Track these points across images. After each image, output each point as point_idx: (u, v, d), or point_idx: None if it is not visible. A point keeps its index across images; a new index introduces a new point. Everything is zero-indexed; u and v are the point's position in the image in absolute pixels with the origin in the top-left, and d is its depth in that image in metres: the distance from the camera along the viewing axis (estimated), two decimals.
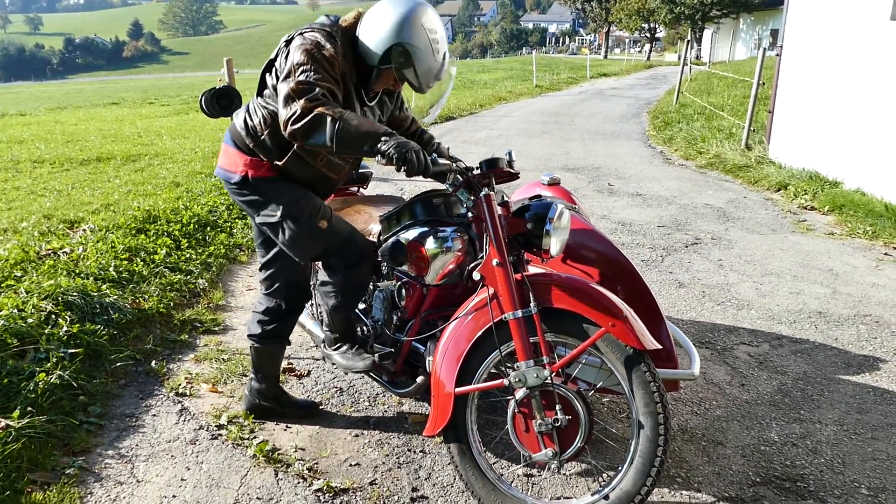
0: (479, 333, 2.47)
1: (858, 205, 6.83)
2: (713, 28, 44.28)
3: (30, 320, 3.46)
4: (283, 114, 2.41)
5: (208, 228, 5.70)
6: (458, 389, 2.48)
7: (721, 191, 8.17)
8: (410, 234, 2.78)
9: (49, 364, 3.21)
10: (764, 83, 10.08)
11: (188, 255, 5.04)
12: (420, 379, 2.87)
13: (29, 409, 2.93)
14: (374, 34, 2.55)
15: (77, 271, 4.23)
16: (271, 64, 2.66)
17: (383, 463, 2.92)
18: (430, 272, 2.71)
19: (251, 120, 2.71)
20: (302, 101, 2.37)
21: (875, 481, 2.80)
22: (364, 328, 3.14)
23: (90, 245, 4.72)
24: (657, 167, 9.72)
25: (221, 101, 9.01)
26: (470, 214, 2.60)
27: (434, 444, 3.05)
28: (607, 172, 9.12)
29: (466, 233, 2.68)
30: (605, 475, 2.75)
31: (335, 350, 3.03)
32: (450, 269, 2.68)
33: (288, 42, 2.60)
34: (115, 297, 4.05)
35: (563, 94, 22.45)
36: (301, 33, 2.58)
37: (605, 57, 56.76)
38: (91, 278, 4.16)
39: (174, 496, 2.68)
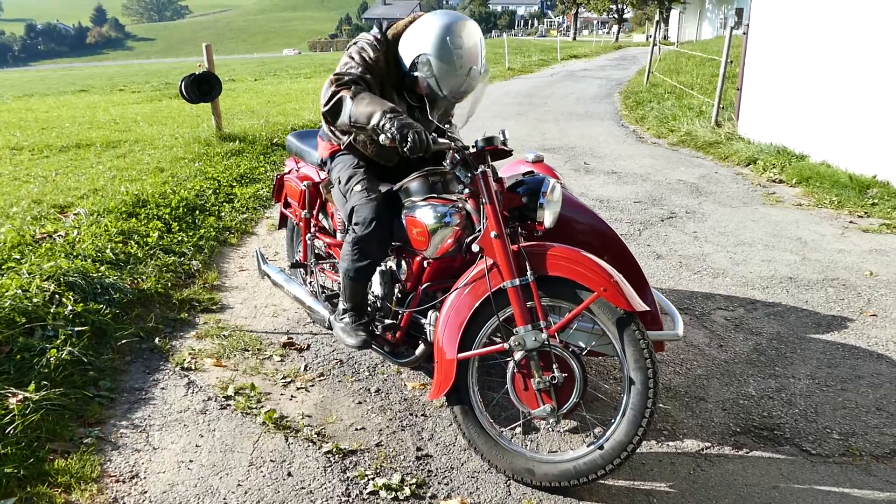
0: (479, 302, 2.64)
1: (824, 177, 7.09)
2: (680, 8, 44.61)
3: (35, 300, 3.56)
4: (323, 100, 2.77)
5: (197, 212, 5.79)
6: (460, 355, 2.64)
7: (693, 167, 8.40)
8: (410, 211, 2.91)
9: (58, 341, 3.32)
10: (731, 61, 10.31)
11: (180, 238, 5.14)
12: (420, 348, 3.03)
13: (43, 382, 3.04)
14: (408, 44, 2.87)
15: (74, 253, 4.32)
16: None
17: (387, 426, 3.08)
18: (430, 246, 2.84)
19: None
20: (333, 87, 2.72)
21: (845, 427, 3.02)
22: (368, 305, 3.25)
23: (84, 228, 4.80)
24: (631, 146, 9.93)
25: (202, 87, 9.07)
26: (467, 191, 2.75)
27: (434, 407, 3.22)
28: (582, 152, 9.30)
29: (464, 208, 2.83)
30: (598, 429, 2.94)
31: (339, 319, 3.16)
32: (449, 243, 2.82)
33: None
34: (115, 277, 4.15)
35: (535, 76, 22.60)
36: (355, 42, 2.96)
37: (574, 39, 57.00)
38: (89, 260, 4.26)
39: (191, 461, 2.82)
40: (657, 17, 42.64)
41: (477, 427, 2.73)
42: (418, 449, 2.92)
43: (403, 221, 2.93)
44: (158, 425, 3.06)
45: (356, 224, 2.91)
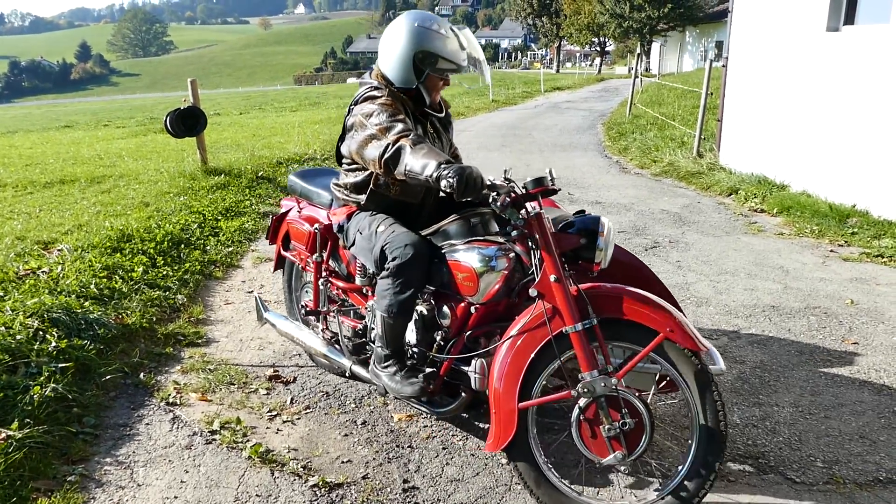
0: (538, 348, 2.55)
1: (805, 206, 7.19)
2: (661, 41, 45.41)
3: (18, 337, 3.54)
4: (373, 153, 2.77)
5: (182, 246, 5.78)
6: (521, 404, 2.56)
7: (676, 197, 8.50)
8: (454, 255, 2.83)
9: (42, 378, 3.30)
10: (712, 93, 10.49)
11: (165, 272, 5.14)
12: (461, 397, 2.92)
13: (27, 420, 3.02)
14: (395, 65, 2.96)
15: (59, 289, 4.31)
16: (342, 138, 3.14)
17: (374, 458, 3.07)
18: (479, 292, 2.76)
19: (341, 180, 3.25)
20: (391, 137, 2.72)
21: (829, 455, 3.04)
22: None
23: (68, 264, 4.79)
24: (614, 176, 10.04)
25: (187, 121, 9.11)
26: (514, 232, 2.63)
27: (421, 439, 3.21)
28: (567, 182, 9.39)
29: (511, 250, 2.76)
30: (661, 474, 2.87)
31: (384, 369, 3.02)
32: (496, 287, 2.74)
33: (349, 112, 3.04)
34: (99, 313, 4.13)
35: (520, 107, 22.84)
36: (356, 101, 3.03)
37: (558, 71, 57.72)
38: (73, 296, 4.25)
39: (176, 497, 2.80)
40: (638, 50, 43.27)
41: (540, 478, 2.63)
42: (405, 481, 2.91)
43: (442, 265, 2.85)
44: (143, 461, 3.04)
45: (393, 258, 2.82)
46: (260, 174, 9.05)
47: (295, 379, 3.82)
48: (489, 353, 2.76)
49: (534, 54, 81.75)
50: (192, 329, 4.42)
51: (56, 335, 3.68)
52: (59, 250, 5.22)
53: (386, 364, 3.00)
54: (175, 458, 3.07)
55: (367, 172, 3.05)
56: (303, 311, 3.90)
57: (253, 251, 6.23)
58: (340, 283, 3.52)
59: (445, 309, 2.93)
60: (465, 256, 2.79)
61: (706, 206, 7.95)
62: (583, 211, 2.88)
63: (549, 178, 2.58)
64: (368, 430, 3.30)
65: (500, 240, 2.80)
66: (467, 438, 3.22)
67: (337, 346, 3.55)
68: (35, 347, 3.52)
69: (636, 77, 19.27)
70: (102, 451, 3.10)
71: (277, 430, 3.30)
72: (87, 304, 4.20)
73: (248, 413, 3.44)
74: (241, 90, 66.51)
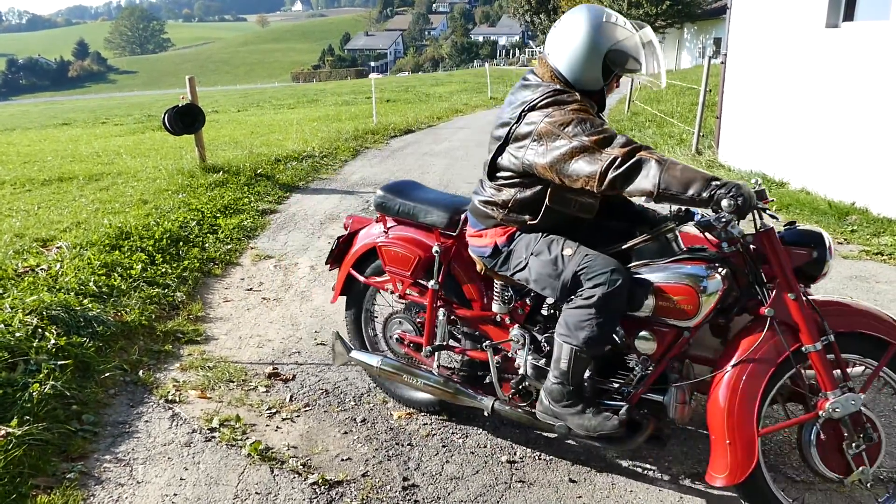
0: (773, 370, 2.45)
1: (804, 203, 7.19)
2: (658, 38, 45.35)
3: (17, 334, 3.54)
4: (585, 168, 2.44)
5: (181, 243, 5.78)
6: (762, 430, 2.44)
7: None
8: (658, 277, 2.57)
9: (41, 375, 3.30)
10: (711, 90, 10.48)
11: (164, 270, 5.13)
12: (647, 429, 2.68)
13: (26, 417, 3.02)
14: (583, 65, 2.63)
15: (57, 287, 4.30)
16: (501, 149, 2.73)
17: (373, 456, 3.07)
18: (697, 314, 2.51)
19: (496, 198, 2.79)
20: (616, 149, 2.41)
21: None
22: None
23: (67, 262, 4.78)
24: None
25: (185, 119, 9.10)
26: (730, 248, 2.54)
27: (421, 437, 3.21)
28: None
29: (725, 268, 2.55)
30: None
31: (566, 408, 2.69)
32: (711, 308, 2.52)
33: (519, 119, 2.66)
34: (98, 310, 4.13)
35: None
36: (533, 107, 2.63)
37: None
38: (72, 293, 4.24)
39: (175, 494, 2.79)
40: None
41: None
42: (405, 479, 2.91)
43: (642, 289, 2.57)
44: (142, 459, 3.03)
45: (595, 285, 2.52)
46: (258, 171, 9.04)
47: (294, 376, 3.82)
48: (688, 379, 2.62)
49: (531, 51, 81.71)
50: (191, 326, 4.41)
51: (55, 332, 3.68)
52: (57, 248, 5.21)
53: (568, 402, 2.67)
54: (174, 455, 3.06)
55: (539, 188, 2.69)
56: (394, 345, 3.46)
57: (252, 248, 6.23)
58: (468, 313, 3.14)
59: (646, 335, 2.63)
60: (678, 277, 2.53)
61: None
62: (794, 223, 2.67)
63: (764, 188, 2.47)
64: (368, 428, 3.29)
65: (705, 256, 2.59)
66: (467, 436, 3.22)
67: (468, 383, 3.16)
68: (34, 345, 3.52)
69: None
70: (102, 449, 3.09)
71: (277, 427, 3.30)
72: (85, 301, 4.19)
73: (248, 410, 3.44)
74: (239, 87, 66.48)
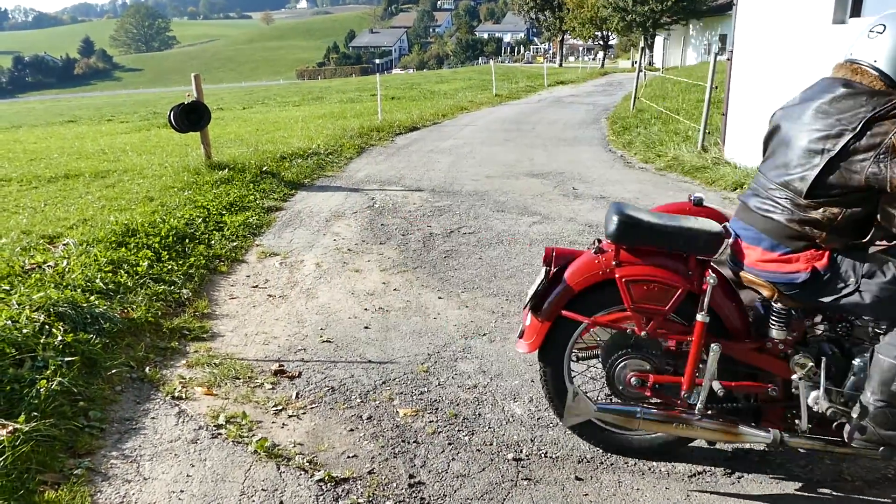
0: None
1: None
2: (664, 34, 45.28)
3: (25, 331, 3.55)
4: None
5: (187, 240, 5.78)
6: None
7: (681, 191, 8.47)
8: None
9: (48, 372, 3.31)
10: (717, 87, 10.45)
11: (170, 267, 5.14)
12: None
13: (33, 413, 3.03)
14: None
15: (64, 284, 4.31)
16: (832, 164, 2.47)
17: (380, 453, 3.07)
18: None
19: (816, 217, 2.53)
20: None
21: None
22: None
23: (73, 258, 4.79)
24: (619, 171, 10.01)
25: (191, 116, 9.11)
26: None
27: (427, 434, 3.21)
28: (571, 177, 9.37)
29: None
30: None
31: (893, 431, 2.50)
32: None
33: (861, 131, 2.45)
34: (105, 307, 4.14)
35: (523, 102, 22.79)
36: (883, 116, 2.45)
37: (561, 65, 57.62)
38: (79, 290, 4.25)
39: (182, 491, 2.80)
40: (642, 44, 43.26)
41: None
42: (411, 476, 2.91)
43: None
44: (149, 455, 3.04)
45: None
46: (264, 169, 9.04)
47: (300, 373, 3.82)
48: None
49: (536, 48, 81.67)
50: (197, 323, 4.42)
51: (62, 329, 3.69)
52: (64, 245, 5.22)
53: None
54: (181, 452, 3.07)
55: (870, 205, 2.50)
56: (629, 389, 2.88)
57: (257, 245, 6.23)
58: (741, 344, 2.79)
59: None
60: None
61: (711, 201, 7.89)
62: None
63: None
64: (374, 425, 3.30)
65: None
66: (473, 434, 3.22)
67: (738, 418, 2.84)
68: (41, 341, 3.53)
69: (640, 71, 19.22)
70: (108, 445, 3.10)
71: (283, 424, 3.31)
72: (92, 298, 4.20)
73: (254, 407, 3.44)
74: (244, 85, 66.57)
